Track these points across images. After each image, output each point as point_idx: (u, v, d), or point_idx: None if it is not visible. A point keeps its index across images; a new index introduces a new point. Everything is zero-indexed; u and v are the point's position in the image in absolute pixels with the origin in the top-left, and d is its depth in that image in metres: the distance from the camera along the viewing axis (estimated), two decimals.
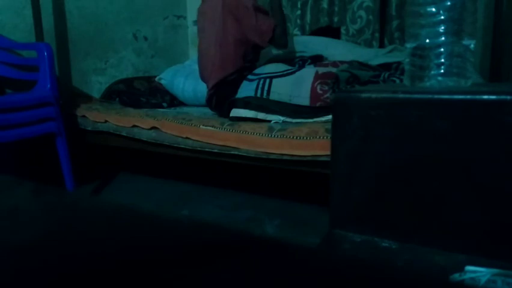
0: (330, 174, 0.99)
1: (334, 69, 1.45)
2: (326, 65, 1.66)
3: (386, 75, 1.43)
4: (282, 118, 1.46)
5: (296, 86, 1.43)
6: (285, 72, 1.49)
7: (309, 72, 1.44)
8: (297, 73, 1.47)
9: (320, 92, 1.38)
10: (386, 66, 1.63)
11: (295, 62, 1.79)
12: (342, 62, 1.65)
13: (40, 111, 1.66)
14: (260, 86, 1.49)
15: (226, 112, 1.58)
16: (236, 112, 1.52)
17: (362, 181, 0.94)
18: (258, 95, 1.48)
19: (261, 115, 1.49)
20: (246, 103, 1.51)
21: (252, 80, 1.54)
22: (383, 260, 0.92)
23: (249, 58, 1.70)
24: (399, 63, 1.63)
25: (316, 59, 1.84)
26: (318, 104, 1.39)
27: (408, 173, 0.90)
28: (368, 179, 0.94)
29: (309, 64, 1.78)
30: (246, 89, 1.52)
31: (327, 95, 1.37)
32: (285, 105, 1.44)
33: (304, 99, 1.40)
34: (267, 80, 1.49)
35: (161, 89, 2.18)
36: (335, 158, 0.98)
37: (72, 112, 1.94)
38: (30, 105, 1.64)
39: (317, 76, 1.41)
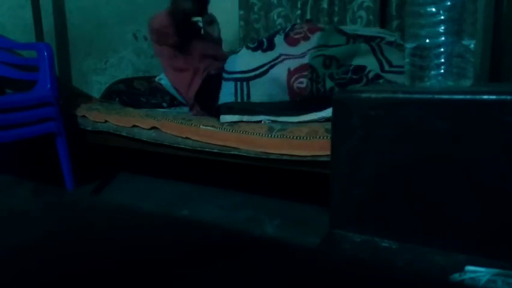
0: (330, 174, 0.99)
1: (306, 60, 1.41)
2: (297, 41, 1.53)
3: (371, 76, 1.36)
4: (267, 117, 1.49)
5: (273, 86, 1.43)
6: (258, 72, 1.47)
7: (281, 71, 1.42)
8: (270, 72, 1.45)
9: (297, 90, 1.38)
10: (367, 38, 1.56)
11: (262, 40, 1.62)
12: (314, 29, 1.54)
13: (40, 111, 1.66)
14: (239, 90, 1.49)
15: (214, 116, 1.62)
16: (223, 118, 1.55)
17: (362, 181, 0.94)
18: (239, 99, 1.48)
19: (245, 118, 1.52)
20: (229, 108, 1.53)
21: (227, 80, 1.53)
22: (383, 260, 0.92)
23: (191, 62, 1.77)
24: (382, 38, 1.57)
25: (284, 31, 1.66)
26: (298, 99, 1.40)
27: (408, 173, 0.90)
28: (368, 179, 0.94)
29: (276, 36, 1.61)
30: (226, 93, 1.52)
31: (306, 93, 1.37)
32: (267, 104, 1.46)
33: (283, 97, 1.42)
34: (244, 84, 1.48)
35: (161, 89, 2.17)
36: (335, 158, 0.98)
37: (72, 112, 1.94)
38: (30, 105, 1.64)
39: (290, 73, 1.40)
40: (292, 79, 1.39)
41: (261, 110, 1.49)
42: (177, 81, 1.81)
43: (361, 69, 1.38)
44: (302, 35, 1.54)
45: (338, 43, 1.47)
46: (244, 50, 1.59)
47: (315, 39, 1.49)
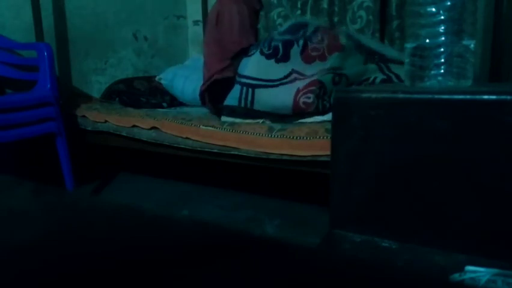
0: (330, 174, 0.99)
1: (315, 76, 1.41)
2: (312, 59, 1.48)
3: (377, 81, 1.38)
4: (268, 122, 1.50)
5: (279, 101, 1.44)
6: (268, 84, 1.46)
7: (290, 91, 1.42)
8: (279, 88, 1.44)
9: (303, 106, 1.39)
10: (382, 59, 1.55)
11: (277, 48, 1.54)
12: (334, 47, 1.48)
13: (40, 111, 1.66)
14: (243, 95, 1.48)
15: (217, 114, 1.62)
16: (224, 119, 1.56)
17: (362, 181, 0.94)
18: (242, 105, 1.48)
19: (247, 121, 1.52)
20: (232, 111, 1.54)
21: (236, 82, 1.53)
22: (383, 260, 0.92)
23: (230, 61, 1.71)
24: (400, 62, 1.57)
25: (305, 39, 1.56)
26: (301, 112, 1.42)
27: (408, 173, 0.90)
28: (368, 179, 0.94)
29: (294, 47, 1.55)
30: (231, 95, 1.52)
31: (311, 109, 1.38)
32: (269, 113, 1.48)
33: (287, 112, 1.44)
34: (249, 90, 1.48)
35: (161, 89, 2.18)
36: (335, 158, 0.98)
37: (72, 112, 1.94)
38: (30, 105, 1.64)
39: (298, 91, 1.40)
40: (299, 95, 1.39)
41: (262, 116, 1.50)
42: (208, 52, 1.76)
43: (365, 80, 1.41)
44: (320, 52, 1.49)
45: (354, 64, 1.46)
46: (257, 55, 1.54)
47: (331, 60, 1.46)
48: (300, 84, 1.43)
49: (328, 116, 1.38)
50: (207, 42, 1.78)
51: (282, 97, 1.43)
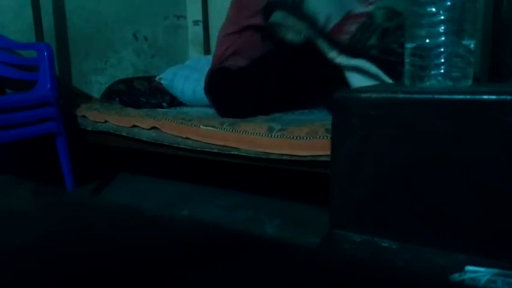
0: (330, 174, 0.99)
1: (371, 7, 1.34)
2: None
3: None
4: (304, 32, 1.40)
5: (327, 10, 1.38)
6: None
7: (344, 6, 1.37)
8: None
9: (343, 30, 1.34)
10: None
11: None
12: None
13: (40, 111, 1.66)
14: None
15: (267, 15, 1.51)
16: (271, 19, 1.45)
17: (362, 181, 0.94)
18: (290, 1, 1.42)
19: (290, 19, 1.42)
20: (280, 6, 1.44)
21: None
22: (383, 260, 0.92)
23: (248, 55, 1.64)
24: None
25: None
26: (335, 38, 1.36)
27: (408, 173, 0.90)
28: (368, 179, 0.94)
29: None
30: None
31: (345, 38, 1.32)
32: (312, 21, 1.39)
33: (326, 28, 1.37)
34: None
35: (161, 89, 2.18)
36: (335, 158, 0.98)
37: (72, 112, 1.94)
38: (30, 105, 1.64)
39: (348, 16, 1.35)
40: (345, 22, 1.35)
41: (306, 17, 1.41)
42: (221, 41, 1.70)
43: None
44: None
45: None
46: None
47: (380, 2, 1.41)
48: (357, 8, 1.36)
49: (356, 62, 1.30)
50: (225, 28, 1.70)
51: (332, 9, 1.37)
